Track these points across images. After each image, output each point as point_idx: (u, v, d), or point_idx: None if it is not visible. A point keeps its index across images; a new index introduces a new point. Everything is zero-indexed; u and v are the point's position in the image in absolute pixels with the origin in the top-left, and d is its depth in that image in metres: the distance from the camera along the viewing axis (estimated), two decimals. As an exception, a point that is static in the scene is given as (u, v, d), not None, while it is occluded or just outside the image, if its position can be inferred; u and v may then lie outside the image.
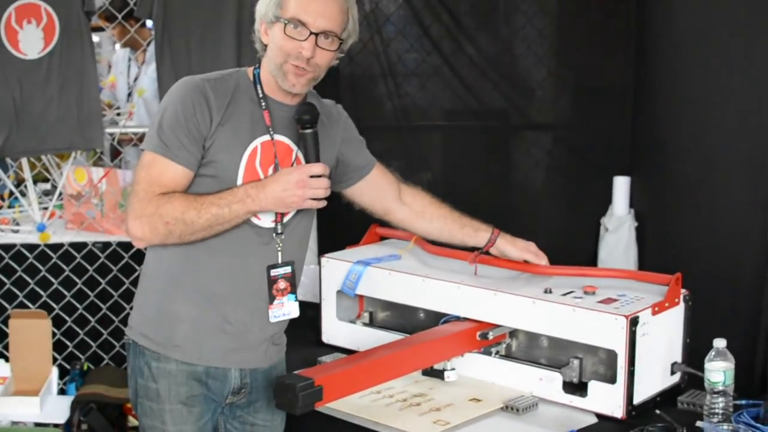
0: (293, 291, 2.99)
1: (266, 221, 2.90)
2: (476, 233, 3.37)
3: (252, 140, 2.85)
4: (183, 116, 2.78)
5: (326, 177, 2.83)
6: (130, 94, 6.74)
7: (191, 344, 2.90)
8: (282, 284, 2.96)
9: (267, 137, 2.87)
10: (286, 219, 2.93)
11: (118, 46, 7.65)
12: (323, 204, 2.86)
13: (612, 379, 3.05)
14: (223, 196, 2.78)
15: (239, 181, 2.83)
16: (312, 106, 2.89)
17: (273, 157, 2.88)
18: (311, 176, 2.79)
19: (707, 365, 2.92)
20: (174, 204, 2.75)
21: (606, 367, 3.11)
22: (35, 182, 5.72)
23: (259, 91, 2.89)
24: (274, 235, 2.92)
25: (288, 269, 2.96)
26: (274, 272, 2.94)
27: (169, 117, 2.80)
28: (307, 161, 2.85)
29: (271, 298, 2.95)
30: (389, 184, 3.29)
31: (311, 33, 2.78)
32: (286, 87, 2.85)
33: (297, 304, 3.00)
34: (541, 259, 3.36)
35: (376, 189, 3.25)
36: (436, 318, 3.42)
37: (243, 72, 2.94)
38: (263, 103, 2.88)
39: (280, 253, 2.95)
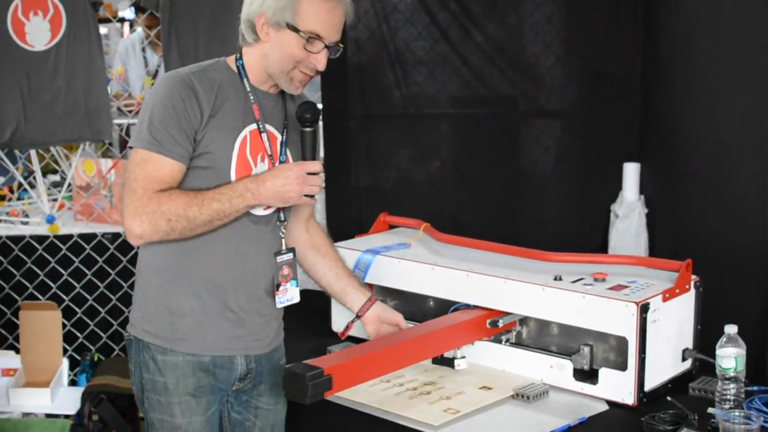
0: (295, 277, 3.03)
1: (259, 209, 2.92)
2: (356, 290, 3.28)
3: (241, 130, 2.88)
4: (174, 111, 2.78)
5: (320, 175, 2.87)
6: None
7: (195, 335, 2.91)
8: (286, 270, 3.00)
9: (254, 126, 2.90)
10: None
11: (129, 34, 7.68)
12: (315, 202, 2.94)
13: (623, 366, 3.04)
14: (223, 191, 2.80)
15: (232, 171, 2.85)
16: (314, 105, 2.95)
17: (261, 146, 2.91)
18: (308, 173, 2.83)
19: (718, 351, 2.91)
20: (176, 201, 2.76)
21: (617, 354, 3.11)
22: (44, 174, 5.75)
23: (246, 84, 2.91)
24: (278, 222, 2.97)
25: (290, 256, 3.01)
26: (279, 259, 2.97)
27: (159, 113, 2.79)
28: (304, 158, 2.91)
29: (277, 285, 2.97)
30: (308, 207, 3.24)
31: (326, 46, 2.81)
32: (291, 90, 2.91)
33: (298, 289, 3.04)
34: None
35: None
36: (445, 306, 3.42)
37: (223, 62, 2.95)
38: (251, 96, 2.91)
39: (284, 240, 2.99)
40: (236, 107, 2.87)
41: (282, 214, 2.97)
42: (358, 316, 3.29)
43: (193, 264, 2.89)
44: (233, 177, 2.85)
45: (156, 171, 2.78)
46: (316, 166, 2.86)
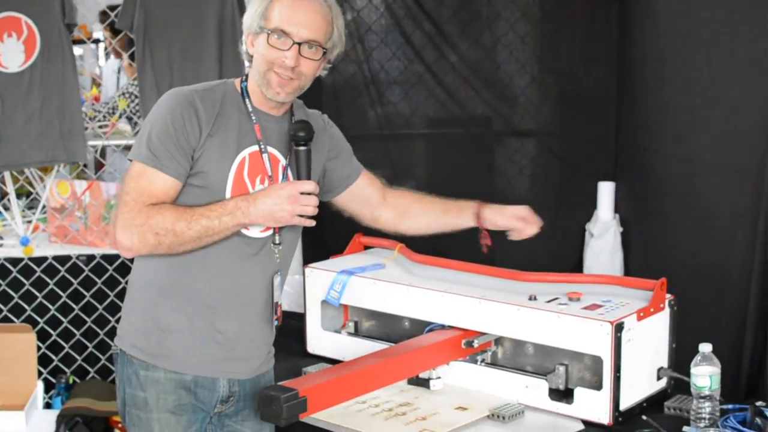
0: None
1: (255, 231, 2.91)
2: (460, 213, 3.31)
3: (240, 151, 2.87)
4: (173, 127, 2.79)
5: (315, 195, 2.85)
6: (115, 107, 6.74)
7: (181, 354, 2.91)
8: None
9: (255, 148, 2.89)
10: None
11: (107, 59, 7.68)
12: (312, 223, 2.88)
13: (598, 386, 3.04)
14: (214, 208, 2.79)
15: (228, 192, 2.84)
16: (308, 124, 2.92)
17: (261, 168, 2.90)
18: (301, 193, 2.82)
19: (693, 370, 2.92)
20: (164, 215, 2.75)
21: (592, 373, 3.11)
22: (18, 196, 5.71)
23: (249, 105, 2.91)
24: (272, 245, 2.95)
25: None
26: (277, 281, 2.98)
27: (159, 128, 2.80)
28: (298, 178, 2.88)
29: (276, 304, 2.99)
30: (375, 190, 3.32)
31: (294, 43, 2.81)
32: (270, 95, 2.87)
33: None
34: (529, 226, 3.27)
35: (363, 196, 3.28)
36: (421, 327, 3.41)
37: (230, 83, 2.96)
38: (253, 117, 2.90)
39: (279, 262, 2.99)
40: (237, 128, 2.87)
41: (277, 237, 2.95)
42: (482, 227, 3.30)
43: (184, 282, 2.88)
44: (228, 198, 2.85)
45: (149, 185, 2.78)
46: (310, 185, 2.84)
